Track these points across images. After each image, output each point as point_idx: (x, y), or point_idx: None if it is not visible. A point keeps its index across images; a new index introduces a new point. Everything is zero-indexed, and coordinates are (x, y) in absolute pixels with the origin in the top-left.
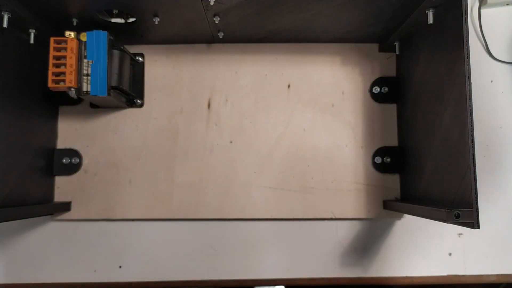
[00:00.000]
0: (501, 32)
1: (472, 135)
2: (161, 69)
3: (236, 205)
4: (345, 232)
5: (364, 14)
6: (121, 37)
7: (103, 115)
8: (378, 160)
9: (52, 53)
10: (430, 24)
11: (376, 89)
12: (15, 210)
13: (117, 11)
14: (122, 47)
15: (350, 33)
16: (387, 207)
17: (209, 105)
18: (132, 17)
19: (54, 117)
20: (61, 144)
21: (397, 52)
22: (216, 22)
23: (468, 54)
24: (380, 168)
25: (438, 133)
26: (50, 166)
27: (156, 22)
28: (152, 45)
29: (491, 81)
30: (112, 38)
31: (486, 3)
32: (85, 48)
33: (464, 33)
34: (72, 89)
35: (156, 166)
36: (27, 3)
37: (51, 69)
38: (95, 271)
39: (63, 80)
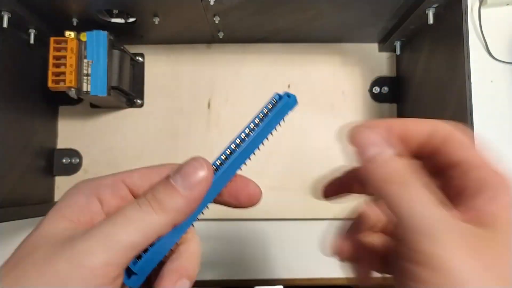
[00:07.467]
0: (501, 32)
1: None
2: (161, 69)
3: None
4: None
5: (364, 14)
6: (121, 37)
7: (103, 115)
8: None
9: (52, 53)
10: (430, 24)
11: (376, 89)
12: (15, 210)
13: (117, 11)
14: (122, 47)
15: (350, 33)
16: None
17: (209, 105)
18: (132, 17)
19: (54, 117)
20: (61, 144)
21: (397, 52)
22: (216, 22)
23: (468, 54)
24: None
25: None
26: (50, 166)
27: (156, 22)
28: (152, 45)
29: (491, 81)
30: (112, 38)
31: (486, 3)
32: (85, 48)
33: (464, 33)
34: (72, 89)
35: None
36: (27, 3)
37: (51, 69)
38: None
39: (63, 80)
